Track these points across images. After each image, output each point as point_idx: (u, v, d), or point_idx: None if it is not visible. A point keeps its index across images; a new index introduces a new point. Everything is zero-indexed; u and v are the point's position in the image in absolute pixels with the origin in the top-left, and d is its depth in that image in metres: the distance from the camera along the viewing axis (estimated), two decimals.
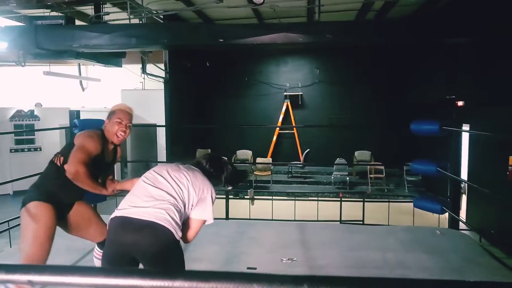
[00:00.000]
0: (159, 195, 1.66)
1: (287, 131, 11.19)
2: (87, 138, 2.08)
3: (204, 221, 1.80)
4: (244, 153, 10.89)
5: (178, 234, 1.64)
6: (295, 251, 3.29)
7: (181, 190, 1.70)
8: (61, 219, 2.23)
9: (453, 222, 3.97)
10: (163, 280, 0.45)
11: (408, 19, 6.96)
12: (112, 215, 1.67)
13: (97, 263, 2.41)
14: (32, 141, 9.43)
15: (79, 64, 10.37)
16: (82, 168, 1.94)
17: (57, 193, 2.14)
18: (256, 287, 0.44)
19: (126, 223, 1.60)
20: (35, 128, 9.25)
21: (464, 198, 6.50)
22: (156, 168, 1.81)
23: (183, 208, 1.70)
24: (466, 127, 5.74)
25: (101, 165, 2.18)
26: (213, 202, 1.80)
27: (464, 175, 5.68)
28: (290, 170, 10.52)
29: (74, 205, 2.29)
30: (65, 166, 2.00)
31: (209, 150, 10.60)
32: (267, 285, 0.44)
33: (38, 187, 2.15)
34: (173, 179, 1.73)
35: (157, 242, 1.58)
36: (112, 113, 2.20)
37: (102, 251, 2.28)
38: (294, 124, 10.98)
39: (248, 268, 2.94)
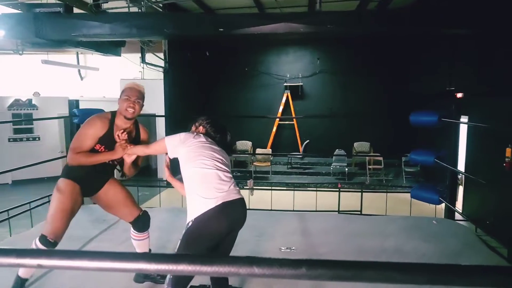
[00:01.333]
0: (228, 176, 2.02)
1: (287, 122, 11.19)
2: (84, 125, 2.34)
3: None
4: (244, 144, 10.91)
5: None
6: (293, 240, 3.34)
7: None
8: (91, 195, 2.52)
9: (449, 213, 4.02)
10: (168, 263, 0.47)
11: (410, 9, 6.90)
12: (212, 205, 1.88)
13: (135, 243, 2.61)
14: (30, 131, 9.42)
15: (77, 52, 10.30)
16: (73, 155, 2.26)
17: (84, 175, 2.35)
18: (256, 270, 0.46)
19: (234, 204, 1.94)
20: (33, 117, 9.24)
21: (460, 188, 6.55)
22: (206, 154, 2.01)
23: None
24: (464, 118, 5.76)
25: (112, 143, 2.33)
26: None
27: (461, 166, 5.72)
28: (289, 161, 10.56)
29: (106, 184, 2.51)
30: None
31: None
32: (267, 268, 0.46)
33: (70, 167, 2.36)
34: (224, 163, 2.06)
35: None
36: (122, 92, 2.39)
37: (137, 232, 2.54)
38: (294, 115, 10.97)
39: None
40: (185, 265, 0.47)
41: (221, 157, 2.05)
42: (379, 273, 0.47)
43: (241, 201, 2.00)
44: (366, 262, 0.48)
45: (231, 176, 2.05)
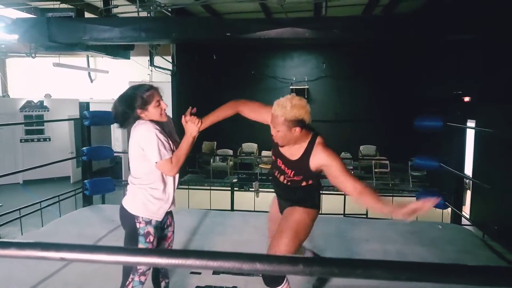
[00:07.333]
0: None
1: None
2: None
3: None
4: (250, 146, 10.97)
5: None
6: None
7: None
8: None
9: (456, 217, 4.02)
10: (178, 258, 0.52)
11: (417, 14, 6.90)
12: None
13: None
14: (41, 132, 9.61)
15: (88, 55, 10.48)
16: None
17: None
18: (258, 265, 0.50)
19: None
20: (44, 118, 9.43)
21: (468, 193, 6.51)
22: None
23: None
24: (471, 123, 5.73)
25: (279, 154, 2.22)
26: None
27: (469, 170, 5.68)
28: None
29: (288, 207, 2.19)
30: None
31: (215, 142, 10.68)
32: (267, 264, 0.51)
33: (315, 195, 2.32)
34: None
35: None
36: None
37: None
38: None
39: None
40: (193, 259, 0.52)
41: None
42: (369, 271, 0.51)
43: None
44: (358, 260, 0.52)
45: None
